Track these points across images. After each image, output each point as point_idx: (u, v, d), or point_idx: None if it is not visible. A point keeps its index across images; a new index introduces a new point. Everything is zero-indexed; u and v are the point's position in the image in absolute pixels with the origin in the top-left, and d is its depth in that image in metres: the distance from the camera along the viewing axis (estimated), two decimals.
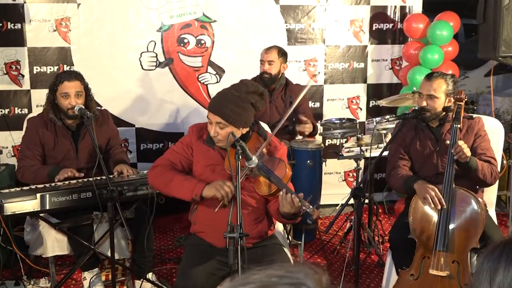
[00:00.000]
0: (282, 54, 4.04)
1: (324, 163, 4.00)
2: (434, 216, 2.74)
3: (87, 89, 3.26)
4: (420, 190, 2.78)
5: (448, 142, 2.82)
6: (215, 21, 4.58)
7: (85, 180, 3.10)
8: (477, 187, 3.00)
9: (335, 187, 4.92)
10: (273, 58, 3.98)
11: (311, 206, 2.26)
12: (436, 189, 2.73)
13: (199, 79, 4.64)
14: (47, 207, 2.87)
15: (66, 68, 4.39)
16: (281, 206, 2.36)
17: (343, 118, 3.92)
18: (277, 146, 2.65)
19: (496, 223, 3.15)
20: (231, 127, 2.47)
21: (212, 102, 2.53)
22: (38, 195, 2.84)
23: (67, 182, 3.05)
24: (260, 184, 2.46)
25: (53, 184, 3.01)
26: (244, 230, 2.16)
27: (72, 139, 3.26)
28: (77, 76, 3.23)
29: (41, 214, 2.97)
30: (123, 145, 4.39)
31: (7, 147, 4.42)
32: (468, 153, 2.72)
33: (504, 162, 4.32)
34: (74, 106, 3.12)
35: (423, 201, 2.75)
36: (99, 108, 3.57)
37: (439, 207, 2.69)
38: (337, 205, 4.64)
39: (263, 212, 2.67)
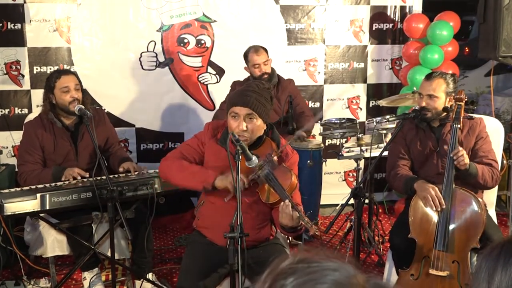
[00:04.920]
0: (266, 50, 4.04)
1: (324, 163, 3.99)
2: (434, 216, 2.74)
3: (81, 85, 3.28)
4: (420, 190, 2.78)
5: (446, 147, 2.81)
6: (215, 21, 4.58)
7: (85, 180, 3.10)
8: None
9: (335, 187, 4.91)
10: (265, 57, 4.00)
11: (309, 222, 2.24)
12: (436, 188, 2.72)
13: (199, 79, 4.63)
14: (47, 207, 2.86)
15: (66, 68, 4.39)
16: (280, 217, 2.30)
17: (343, 118, 3.92)
18: (289, 154, 2.59)
19: (496, 223, 3.15)
20: (259, 119, 2.44)
21: (236, 96, 2.48)
22: (38, 195, 2.84)
23: (67, 182, 3.05)
24: (264, 191, 2.44)
25: (53, 184, 3.01)
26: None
27: (71, 140, 3.26)
28: (72, 72, 3.27)
29: (41, 214, 2.96)
30: (122, 144, 4.39)
31: (7, 147, 4.42)
32: (467, 160, 2.72)
33: (504, 162, 4.32)
34: (75, 99, 3.13)
35: (424, 201, 2.75)
36: (95, 107, 3.57)
37: (439, 208, 2.68)
38: (337, 205, 4.63)
39: (268, 218, 2.64)
